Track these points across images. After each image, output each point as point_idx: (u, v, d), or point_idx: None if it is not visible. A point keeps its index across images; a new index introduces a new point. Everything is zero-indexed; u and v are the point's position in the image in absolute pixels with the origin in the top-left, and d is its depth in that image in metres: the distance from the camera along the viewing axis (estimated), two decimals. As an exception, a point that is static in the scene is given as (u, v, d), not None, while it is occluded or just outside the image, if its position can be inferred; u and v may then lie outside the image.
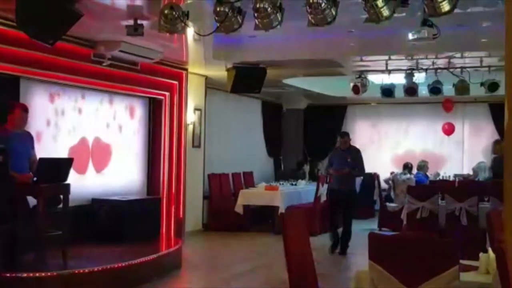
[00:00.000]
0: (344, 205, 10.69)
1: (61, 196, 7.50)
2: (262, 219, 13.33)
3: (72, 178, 7.64)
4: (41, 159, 7.30)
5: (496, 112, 15.40)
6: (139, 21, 7.82)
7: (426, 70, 12.25)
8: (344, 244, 10.65)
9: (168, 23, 6.93)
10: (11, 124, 7.31)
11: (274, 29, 6.47)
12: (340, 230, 10.84)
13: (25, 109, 7.47)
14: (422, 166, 13.91)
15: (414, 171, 14.10)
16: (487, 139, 16.59)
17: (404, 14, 6.27)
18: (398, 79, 12.97)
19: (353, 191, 10.99)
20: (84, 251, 8.22)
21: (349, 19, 7.57)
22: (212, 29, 6.90)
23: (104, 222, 9.34)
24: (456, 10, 6.00)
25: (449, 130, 16.14)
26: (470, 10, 7.89)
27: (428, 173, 14.29)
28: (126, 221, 9.36)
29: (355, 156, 10.86)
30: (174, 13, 6.85)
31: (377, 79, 13.52)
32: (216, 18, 6.55)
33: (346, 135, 11.27)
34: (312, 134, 18.10)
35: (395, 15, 6.16)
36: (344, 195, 10.59)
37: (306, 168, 16.56)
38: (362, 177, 15.78)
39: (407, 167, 13.96)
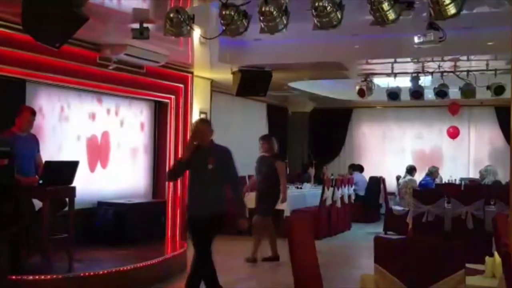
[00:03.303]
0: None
1: (67, 199, 7.52)
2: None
3: (78, 180, 7.64)
4: (47, 162, 7.32)
5: (502, 116, 15.36)
6: (145, 25, 7.83)
7: (432, 73, 12.24)
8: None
9: (173, 26, 6.95)
10: (18, 126, 7.34)
11: (279, 32, 6.48)
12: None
13: (33, 112, 7.51)
14: (433, 172, 13.84)
15: (419, 174, 14.07)
16: (493, 143, 16.56)
17: (410, 17, 6.25)
18: (404, 82, 12.96)
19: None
20: (89, 254, 8.23)
21: (354, 22, 7.56)
22: (218, 32, 6.91)
23: (109, 225, 9.34)
24: (462, 13, 5.99)
25: (454, 133, 16.12)
26: (476, 11, 7.88)
27: (437, 179, 14.22)
28: (131, 224, 9.37)
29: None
30: (179, 16, 6.86)
31: (382, 82, 13.52)
32: (222, 21, 6.56)
33: (262, 138, 10.29)
34: (317, 138, 18.10)
35: (401, 18, 6.16)
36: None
37: (311, 171, 16.53)
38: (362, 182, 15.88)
39: (409, 170, 13.94)
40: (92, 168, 9.67)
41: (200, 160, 6.47)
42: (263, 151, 10.04)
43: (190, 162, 6.53)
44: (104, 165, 9.93)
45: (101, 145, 9.87)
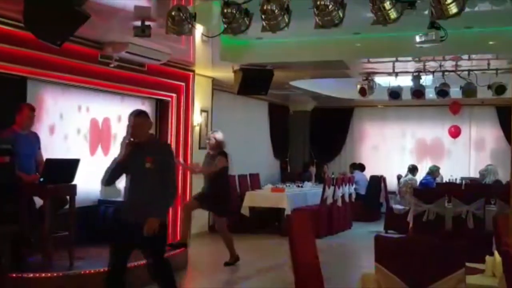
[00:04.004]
0: None
1: (68, 197, 7.52)
2: (268, 221, 13.32)
3: (79, 178, 7.64)
4: (47, 159, 7.32)
5: (503, 115, 15.37)
6: (146, 23, 7.84)
7: (433, 72, 12.24)
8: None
9: (175, 24, 6.95)
10: (19, 124, 7.34)
11: (281, 31, 6.48)
12: None
13: (32, 109, 7.52)
14: (434, 171, 13.84)
15: (420, 173, 14.08)
16: (493, 142, 16.56)
17: (411, 16, 6.25)
18: (405, 81, 12.96)
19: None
20: (90, 252, 8.23)
21: (356, 21, 7.56)
22: (220, 30, 6.91)
23: (110, 223, 9.32)
24: (463, 12, 5.99)
25: (455, 132, 16.13)
26: (478, 8, 7.87)
27: (437, 179, 14.22)
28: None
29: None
30: (181, 14, 6.87)
31: (384, 81, 13.52)
32: (224, 19, 6.56)
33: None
34: (318, 136, 18.09)
35: (402, 17, 6.16)
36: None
37: (312, 170, 16.55)
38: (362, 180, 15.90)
39: (410, 169, 13.95)
40: (93, 163, 9.66)
41: (137, 159, 5.72)
42: (210, 148, 9.53)
43: (127, 161, 5.78)
44: (105, 162, 9.91)
45: (101, 143, 9.86)
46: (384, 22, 6.09)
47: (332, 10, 6.04)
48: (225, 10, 6.49)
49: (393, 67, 12.11)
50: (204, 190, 9.47)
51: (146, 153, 5.70)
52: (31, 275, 6.75)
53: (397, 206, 13.44)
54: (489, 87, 12.18)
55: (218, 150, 9.39)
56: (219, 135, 9.49)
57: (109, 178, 5.99)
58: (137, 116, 5.86)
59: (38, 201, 7.29)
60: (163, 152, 5.89)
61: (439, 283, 3.90)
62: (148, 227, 5.55)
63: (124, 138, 5.87)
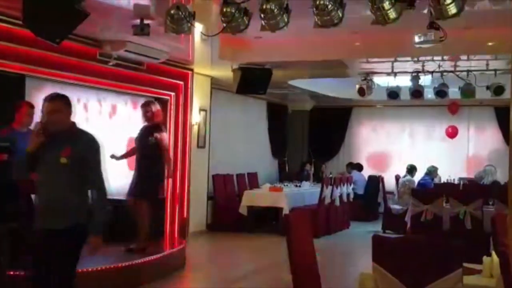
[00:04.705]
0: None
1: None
2: (266, 220, 13.32)
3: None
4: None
5: (502, 116, 15.36)
6: (145, 21, 7.83)
7: (432, 73, 12.25)
8: None
9: (174, 23, 6.95)
10: (18, 122, 7.33)
11: (280, 30, 6.48)
12: None
13: (31, 106, 7.50)
14: (432, 171, 13.85)
15: (418, 173, 14.08)
16: (492, 143, 16.57)
17: (410, 16, 6.26)
18: (404, 81, 12.97)
19: None
20: (85, 250, 8.19)
21: (355, 20, 7.56)
22: (219, 29, 6.91)
23: (108, 222, 9.30)
24: (463, 12, 5.99)
25: (452, 133, 16.14)
26: (477, 7, 7.87)
27: (435, 179, 14.22)
28: (130, 221, 9.35)
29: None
30: (180, 13, 6.87)
31: (383, 81, 13.53)
32: (223, 18, 6.56)
33: (144, 105, 8.80)
34: (317, 136, 18.09)
35: (402, 17, 6.17)
36: None
37: (310, 168, 16.55)
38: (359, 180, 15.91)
39: (409, 169, 13.96)
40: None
41: (52, 151, 4.70)
42: (146, 120, 8.64)
43: (39, 153, 4.73)
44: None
45: (100, 140, 9.84)
46: (383, 22, 6.09)
47: (332, 10, 6.04)
48: (224, 9, 6.50)
49: (392, 67, 12.12)
50: (138, 171, 8.67)
51: (62, 146, 4.69)
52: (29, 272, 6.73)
53: (395, 206, 13.45)
54: (488, 87, 12.19)
55: (156, 121, 8.67)
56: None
57: (23, 171, 5.11)
58: (52, 101, 4.80)
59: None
60: (85, 145, 4.81)
61: (436, 283, 3.90)
62: (91, 248, 4.81)
63: (35, 126, 4.86)
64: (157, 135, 8.50)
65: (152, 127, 8.56)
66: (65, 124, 4.81)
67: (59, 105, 4.78)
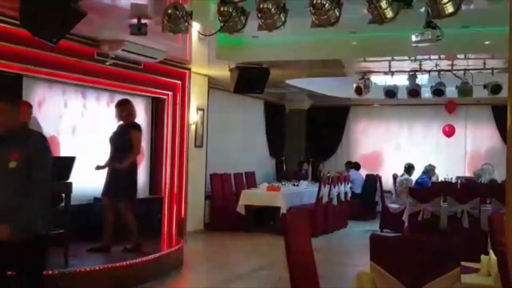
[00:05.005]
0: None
1: (63, 195, 7.51)
2: (263, 219, 13.32)
3: (74, 176, 7.63)
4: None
5: (499, 114, 15.39)
6: (143, 21, 7.83)
7: (429, 71, 12.26)
8: None
9: (171, 22, 6.96)
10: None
11: (277, 29, 6.48)
12: None
13: (30, 105, 7.50)
14: (429, 170, 13.87)
15: (416, 172, 14.09)
16: (489, 141, 16.59)
17: (407, 15, 6.27)
18: (401, 80, 12.98)
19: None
20: (85, 250, 8.21)
21: (352, 20, 7.57)
22: (216, 29, 6.91)
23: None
24: (459, 11, 6.00)
25: (449, 132, 16.16)
26: (474, 7, 7.88)
27: (433, 178, 14.23)
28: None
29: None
30: (177, 13, 6.87)
31: (380, 80, 13.53)
32: (220, 18, 6.56)
33: (119, 104, 8.45)
34: (314, 135, 18.09)
35: (399, 16, 6.17)
36: None
37: (308, 167, 16.55)
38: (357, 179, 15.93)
39: (407, 168, 13.97)
40: (88, 163, 9.64)
41: (0, 154, 4.39)
42: (120, 119, 8.40)
43: None
44: (100, 161, 9.90)
45: (97, 140, 9.84)
46: (381, 21, 6.10)
47: (329, 9, 6.05)
48: (222, 9, 6.50)
49: (389, 66, 12.13)
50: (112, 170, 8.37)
51: (10, 149, 4.36)
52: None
53: (393, 205, 13.46)
54: (485, 86, 12.21)
55: (130, 121, 8.43)
56: None
57: None
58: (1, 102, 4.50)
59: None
60: (35, 148, 4.45)
61: (434, 282, 3.90)
62: None
63: None
64: (134, 134, 8.30)
65: (129, 126, 8.35)
66: (11, 125, 4.45)
67: (5, 105, 4.46)
